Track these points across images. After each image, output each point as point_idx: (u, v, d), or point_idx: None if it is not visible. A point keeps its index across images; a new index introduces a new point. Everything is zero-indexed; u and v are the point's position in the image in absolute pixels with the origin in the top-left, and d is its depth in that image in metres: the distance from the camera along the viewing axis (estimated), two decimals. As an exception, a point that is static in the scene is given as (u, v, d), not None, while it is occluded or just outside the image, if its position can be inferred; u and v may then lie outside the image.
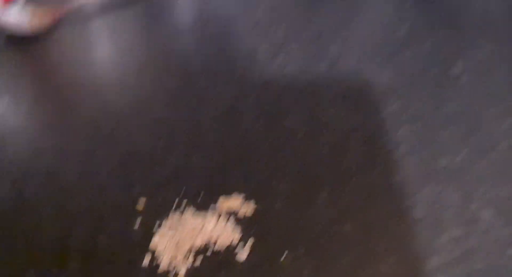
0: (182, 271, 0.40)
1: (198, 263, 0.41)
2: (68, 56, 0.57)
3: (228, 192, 0.45)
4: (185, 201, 0.44)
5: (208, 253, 0.41)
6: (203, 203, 0.44)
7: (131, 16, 0.63)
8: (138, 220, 0.43)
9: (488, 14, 0.64)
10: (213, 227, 0.43)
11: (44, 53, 0.58)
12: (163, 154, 0.48)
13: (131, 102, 0.52)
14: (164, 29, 0.61)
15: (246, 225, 0.43)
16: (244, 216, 0.43)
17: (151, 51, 0.58)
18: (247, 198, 0.45)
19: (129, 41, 0.60)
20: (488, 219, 0.44)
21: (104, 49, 0.59)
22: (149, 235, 0.42)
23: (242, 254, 0.41)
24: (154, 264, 0.40)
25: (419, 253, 0.42)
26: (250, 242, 0.42)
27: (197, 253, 0.41)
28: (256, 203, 0.44)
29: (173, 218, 0.43)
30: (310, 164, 0.47)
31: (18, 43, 0.58)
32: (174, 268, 0.40)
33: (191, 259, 0.41)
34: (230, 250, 0.42)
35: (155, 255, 0.41)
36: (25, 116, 0.52)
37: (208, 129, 0.50)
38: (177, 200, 0.44)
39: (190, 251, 0.41)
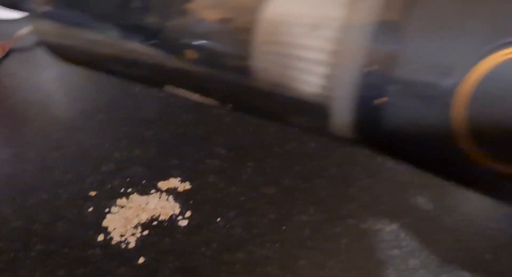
0: (133, 241, 0.47)
1: (145, 233, 0.47)
2: (18, 81, 0.64)
3: (166, 177, 0.52)
4: (130, 188, 0.51)
5: (153, 224, 0.48)
6: (146, 188, 0.51)
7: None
8: (91, 207, 0.50)
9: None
10: (156, 203, 0.50)
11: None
12: (108, 151, 0.55)
13: (77, 113, 0.59)
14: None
15: (184, 199, 0.50)
16: (182, 192, 0.50)
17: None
18: (183, 179, 0.52)
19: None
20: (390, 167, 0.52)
21: (49, 72, 0.66)
22: (101, 217, 0.49)
23: (183, 222, 0.48)
24: (107, 238, 0.47)
25: (334, 202, 0.49)
26: (188, 213, 0.49)
27: (144, 225, 0.48)
28: (192, 181, 0.51)
29: (120, 201, 0.50)
30: (237, 142, 0.55)
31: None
32: (125, 239, 0.47)
33: (139, 230, 0.48)
34: (172, 220, 0.48)
35: (108, 231, 0.48)
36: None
37: (145, 127, 0.57)
38: (123, 188, 0.51)
39: (138, 224, 0.48)
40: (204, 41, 0.31)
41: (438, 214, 0.48)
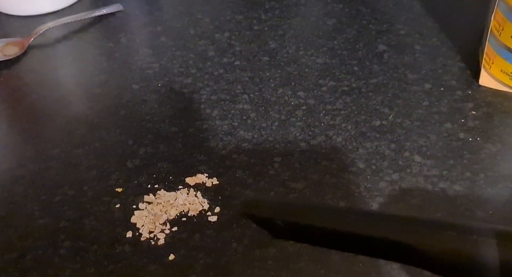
0: (162, 237, 0.46)
1: (174, 229, 0.47)
2: (39, 78, 0.63)
3: (193, 172, 0.51)
4: (157, 184, 0.50)
5: (183, 221, 0.47)
6: (173, 184, 0.50)
7: (92, 38, 0.70)
8: (118, 203, 0.49)
9: (400, 5, 0.73)
10: (184, 199, 0.49)
11: (18, 77, 0.64)
12: (133, 147, 0.54)
13: (99, 109, 0.58)
14: (122, 46, 0.68)
15: (212, 195, 0.49)
16: (210, 188, 0.50)
17: (113, 65, 0.64)
18: (210, 175, 0.51)
19: (92, 58, 0.66)
20: (419, 163, 0.51)
21: (70, 68, 0.65)
22: (129, 214, 0.48)
23: (212, 218, 0.48)
24: (136, 235, 0.46)
25: (364, 197, 0.48)
26: (218, 209, 0.48)
27: (173, 222, 0.47)
28: (219, 177, 0.51)
29: (148, 197, 0.49)
30: (263, 137, 0.54)
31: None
32: (154, 236, 0.46)
33: (168, 227, 0.47)
34: (201, 216, 0.48)
35: (136, 228, 0.47)
36: (8, 131, 0.58)
37: (170, 123, 0.56)
38: (150, 184, 0.51)
39: (166, 221, 0.48)
40: None
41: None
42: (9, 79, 0.63)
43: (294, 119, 0.56)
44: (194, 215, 0.48)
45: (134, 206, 0.49)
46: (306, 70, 0.62)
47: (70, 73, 0.65)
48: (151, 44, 0.68)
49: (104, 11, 0.72)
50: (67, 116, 0.58)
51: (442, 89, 0.59)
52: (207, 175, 0.51)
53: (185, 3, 0.75)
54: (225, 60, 0.64)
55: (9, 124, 0.59)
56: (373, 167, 0.51)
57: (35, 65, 0.65)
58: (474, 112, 0.56)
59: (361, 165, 0.51)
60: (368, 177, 0.50)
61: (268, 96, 0.59)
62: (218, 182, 0.50)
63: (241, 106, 0.58)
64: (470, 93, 0.58)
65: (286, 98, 0.58)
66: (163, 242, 0.46)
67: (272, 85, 0.60)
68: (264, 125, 0.55)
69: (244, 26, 0.70)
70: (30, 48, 0.67)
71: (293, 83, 0.60)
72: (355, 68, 0.62)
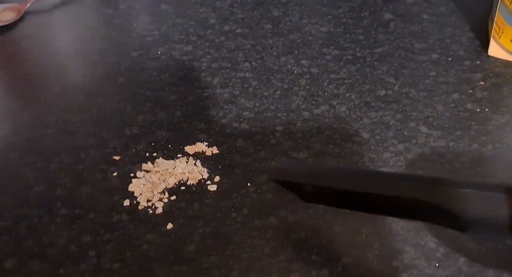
0: (160, 206, 0.45)
1: (173, 198, 0.46)
2: (35, 44, 0.62)
3: (193, 141, 0.50)
4: (155, 153, 0.49)
5: (181, 189, 0.46)
6: (172, 152, 0.49)
7: (90, 4, 0.68)
8: (115, 171, 0.48)
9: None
10: (183, 168, 0.48)
11: (14, 43, 0.62)
12: (131, 115, 0.53)
13: (97, 77, 0.57)
14: (121, 12, 0.66)
15: (212, 164, 0.48)
16: (210, 157, 0.49)
17: (112, 32, 0.63)
18: (210, 144, 0.50)
19: (91, 24, 0.64)
20: (425, 133, 0.50)
21: (67, 35, 0.64)
22: (126, 182, 0.47)
23: (212, 187, 0.46)
24: (134, 203, 0.45)
25: (368, 167, 0.47)
26: (217, 178, 0.47)
27: (172, 190, 0.46)
28: (219, 145, 0.49)
29: (146, 165, 0.48)
30: (265, 106, 0.53)
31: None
32: (152, 205, 0.45)
33: (166, 195, 0.46)
34: (201, 185, 0.47)
35: (134, 196, 0.46)
36: (3, 97, 0.56)
37: (169, 90, 0.55)
38: (148, 152, 0.49)
39: (165, 189, 0.46)
40: None
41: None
42: (5, 45, 0.62)
43: (297, 88, 0.54)
44: (193, 184, 0.47)
45: (132, 174, 0.47)
46: (310, 38, 0.60)
47: (68, 39, 0.63)
48: (151, 11, 0.66)
49: (103, -23, 0.70)
50: (64, 83, 0.56)
51: (450, 59, 0.57)
52: (207, 143, 0.50)
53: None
54: (226, 27, 0.62)
55: (5, 90, 0.57)
56: (378, 137, 0.50)
57: (31, 31, 0.64)
58: (483, 83, 0.54)
59: (365, 135, 0.50)
60: (372, 147, 0.49)
61: (270, 64, 0.57)
62: (218, 151, 0.49)
63: (242, 74, 0.56)
64: (478, 64, 0.56)
65: (289, 66, 0.57)
66: (161, 211, 0.45)
67: (275, 53, 0.59)
68: (266, 93, 0.54)
69: (247, -7, 0.68)
70: (26, 13, 0.65)
71: (296, 52, 0.59)
72: (360, 37, 0.60)
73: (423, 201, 0.37)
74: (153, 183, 0.47)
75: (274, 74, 0.56)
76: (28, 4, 0.65)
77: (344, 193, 0.42)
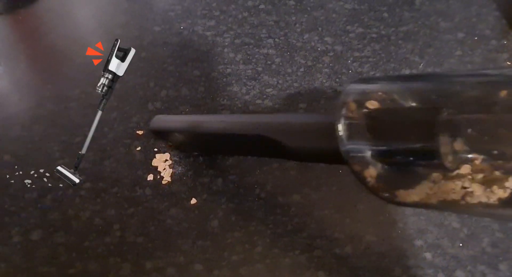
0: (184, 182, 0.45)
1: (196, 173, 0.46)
2: (57, 17, 0.62)
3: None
4: (179, 128, 0.49)
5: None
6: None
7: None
8: (139, 146, 0.48)
9: None
10: (207, 143, 0.48)
11: (36, 16, 0.62)
12: (154, 90, 0.52)
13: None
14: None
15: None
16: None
17: (134, 6, 0.62)
18: (234, 120, 0.50)
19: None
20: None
21: (88, 9, 0.63)
22: (150, 157, 0.47)
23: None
24: (157, 178, 0.46)
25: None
26: (240, 154, 0.47)
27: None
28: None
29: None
30: (288, 83, 0.52)
31: (12, 11, 0.62)
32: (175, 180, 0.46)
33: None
34: (224, 161, 0.47)
35: (157, 171, 0.46)
36: (27, 70, 0.56)
37: (192, 66, 0.55)
38: (171, 127, 0.49)
39: (188, 165, 0.47)
40: None
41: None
42: (27, 18, 0.62)
43: (320, 65, 0.54)
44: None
45: (156, 149, 0.48)
46: (334, 15, 0.60)
47: (90, 13, 0.63)
48: (173, -15, 0.65)
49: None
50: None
51: (476, 38, 0.56)
52: (230, 119, 0.49)
53: None
54: (249, 3, 0.62)
55: (28, 63, 0.57)
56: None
57: (53, 5, 0.63)
58: (509, 63, 0.53)
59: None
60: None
61: (293, 41, 0.57)
62: (241, 127, 0.49)
63: (265, 51, 0.56)
64: (505, 43, 0.55)
65: (313, 43, 0.56)
66: (185, 186, 0.45)
67: (298, 30, 0.58)
68: (289, 70, 0.53)
69: (270, -32, 0.67)
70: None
71: (320, 29, 0.58)
72: (385, 14, 0.59)
73: (261, 135, 0.38)
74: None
75: (298, 51, 0.55)
76: (50, -23, 0.65)
77: (207, 137, 0.43)
